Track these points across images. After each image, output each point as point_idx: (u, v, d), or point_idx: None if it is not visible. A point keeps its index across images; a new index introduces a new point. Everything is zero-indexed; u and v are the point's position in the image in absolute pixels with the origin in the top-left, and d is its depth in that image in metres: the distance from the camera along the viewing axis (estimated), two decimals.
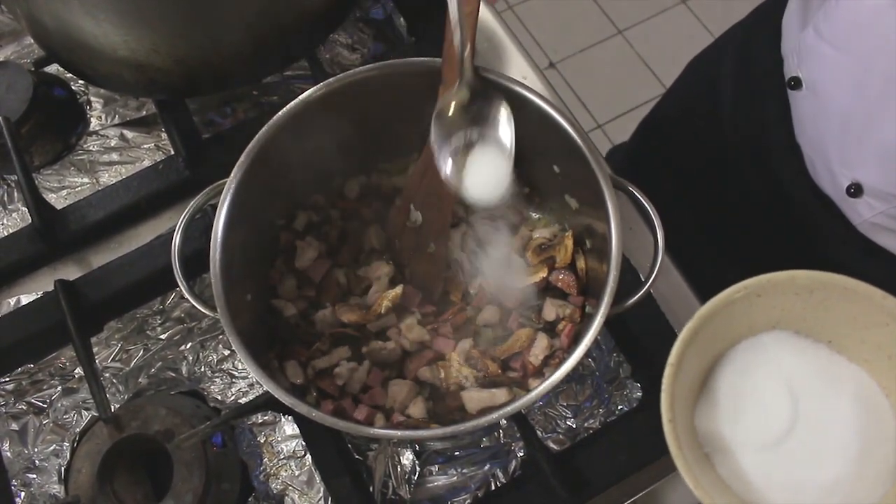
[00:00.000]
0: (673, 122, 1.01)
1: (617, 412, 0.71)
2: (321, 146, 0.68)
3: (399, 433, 0.53)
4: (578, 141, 0.60)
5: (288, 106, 0.63)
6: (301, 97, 0.63)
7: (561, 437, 0.70)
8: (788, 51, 0.73)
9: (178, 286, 0.61)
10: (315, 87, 0.63)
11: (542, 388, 0.54)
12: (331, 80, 0.63)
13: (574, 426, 0.71)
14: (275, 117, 0.62)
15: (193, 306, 0.61)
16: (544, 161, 0.67)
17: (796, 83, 0.70)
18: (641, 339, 0.70)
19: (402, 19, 0.91)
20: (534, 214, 0.73)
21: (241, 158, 0.61)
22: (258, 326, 0.65)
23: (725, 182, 0.85)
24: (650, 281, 0.59)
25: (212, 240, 0.59)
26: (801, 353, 0.54)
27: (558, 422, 0.71)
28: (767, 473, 0.51)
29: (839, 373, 0.53)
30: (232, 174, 0.61)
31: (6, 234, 0.81)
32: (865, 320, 0.52)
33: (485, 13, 0.89)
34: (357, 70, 0.64)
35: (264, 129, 0.62)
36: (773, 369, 0.53)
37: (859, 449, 0.50)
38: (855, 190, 0.66)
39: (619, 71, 2.08)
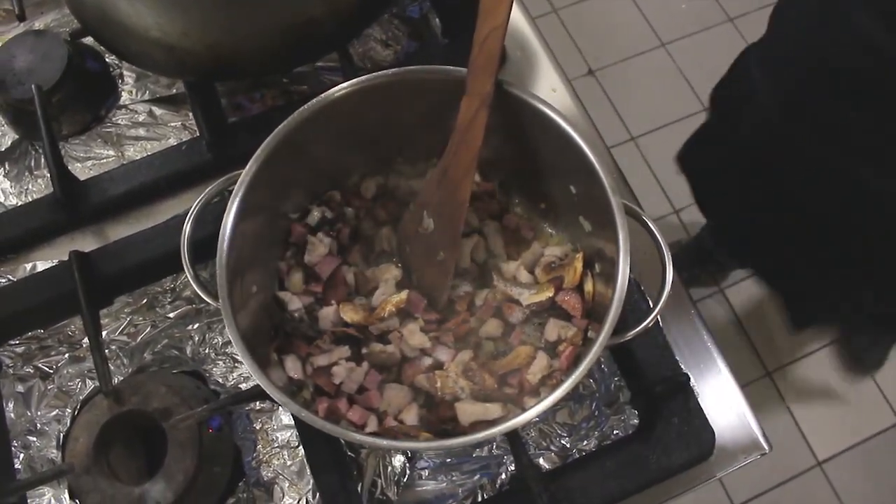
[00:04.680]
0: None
1: (612, 436, 0.71)
2: (341, 143, 0.68)
3: (385, 443, 0.53)
4: (595, 164, 0.59)
5: (309, 103, 0.63)
6: (323, 95, 0.63)
7: (553, 455, 0.70)
8: None
9: None
10: (338, 87, 0.63)
11: (535, 410, 0.53)
12: (355, 80, 0.63)
13: (567, 445, 0.71)
14: (295, 112, 0.62)
15: None
16: (562, 179, 0.66)
17: None
18: (644, 366, 0.69)
19: (437, 19, 0.91)
20: (548, 229, 0.73)
21: (258, 152, 0.61)
22: (262, 318, 0.65)
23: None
24: (655, 312, 0.58)
25: (220, 231, 0.59)
26: None
27: (552, 439, 0.71)
28: None
29: None
30: (247, 166, 0.61)
31: (31, 199, 0.82)
32: None
33: (521, 22, 0.89)
34: (382, 73, 0.63)
35: (285, 122, 0.62)
36: None
37: None
38: None
39: (658, 84, 2.06)
